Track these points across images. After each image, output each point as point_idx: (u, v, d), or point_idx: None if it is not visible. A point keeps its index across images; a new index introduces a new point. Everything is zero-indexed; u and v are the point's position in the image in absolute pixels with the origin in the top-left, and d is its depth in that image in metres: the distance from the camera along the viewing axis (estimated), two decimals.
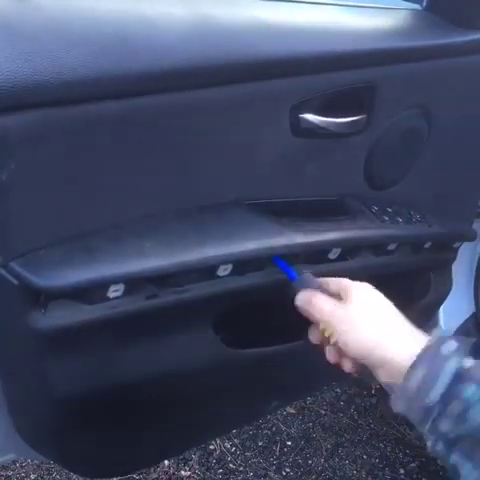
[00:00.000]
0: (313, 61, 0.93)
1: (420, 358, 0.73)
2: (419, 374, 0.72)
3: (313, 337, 0.89)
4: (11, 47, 0.69)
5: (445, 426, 0.70)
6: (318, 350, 0.89)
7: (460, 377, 0.70)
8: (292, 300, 0.90)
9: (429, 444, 0.73)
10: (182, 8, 0.86)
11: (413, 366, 0.73)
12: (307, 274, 0.92)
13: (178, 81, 0.81)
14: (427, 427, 0.72)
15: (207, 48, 0.83)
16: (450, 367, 0.71)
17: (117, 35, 0.78)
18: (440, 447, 0.71)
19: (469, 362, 0.71)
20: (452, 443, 0.70)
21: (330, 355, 0.86)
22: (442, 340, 0.74)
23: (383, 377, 0.78)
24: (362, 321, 0.81)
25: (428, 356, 0.73)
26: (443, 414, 0.70)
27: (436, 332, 0.78)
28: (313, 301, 0.86)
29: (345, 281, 0.87)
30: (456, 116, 1.16)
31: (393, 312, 0.83)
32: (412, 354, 0.74)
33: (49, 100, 0.71)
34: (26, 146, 0.72)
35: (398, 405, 0.75)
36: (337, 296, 0.86)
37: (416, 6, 1.15)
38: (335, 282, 0.88)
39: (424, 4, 1.14)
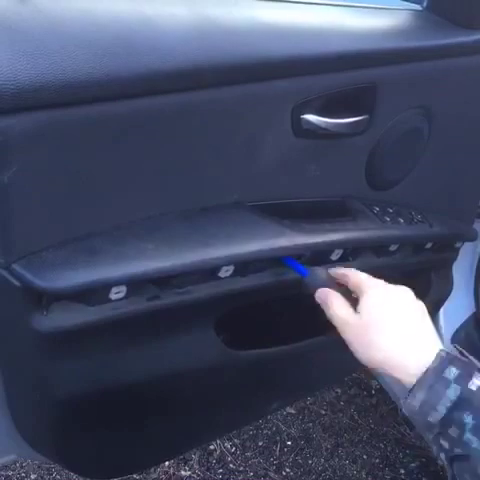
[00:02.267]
0: (314, 62, 0.93)
1: (423, 380, 0.74)
2: (421, 396, 0.73)
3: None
4: (13, 48, 0.69)
5: (445, 444, 0.72)
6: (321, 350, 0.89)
7: (460, 404, 0.71)
8: (293, 300, 0.90)
9: (434, 449, 0.75)
10: (184, 9, 0.86)
11: (416, 386, 0.74)
12: (318, 269, 0.92)
13: (180, 82, 0.81)
14: (430, 438, 0.74)
15: (209, 49, 0.83)
16: (451, 394, 0.72)
17: (119, 36, 0.78)
18: (442, 456, 0.73)
19: (473, 385, 0.72)
20: (452, 459, 0.72)
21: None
22: (446, 362, 0.75)
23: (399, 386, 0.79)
24: (373, 334, 0.81)
25: (431, 379, 0.74)
26: (443, 434, 0.72)
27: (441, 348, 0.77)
28: (329, 302, 0.86)
29: (362, 281, 0.87)
30: (457, 116, 1.16)
31: (405, 318, 0.82)
32: (417, 372, 0.75)
33: (51, 101, 0.71)
34: (28, 148, 0.72)
35: (404, 411, 0.77)
36: (353, 292, 0.87)
37: (417, 6, 1.14)
38: (353, 279, 0.88)
39: (425, 4, 1.14)
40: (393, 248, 1.14)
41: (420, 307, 0.85)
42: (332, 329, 0.86)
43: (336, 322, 0.84)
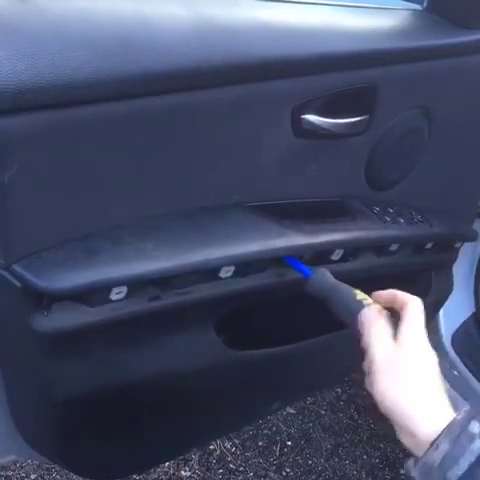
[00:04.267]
0: (314, 62, 0.93)
1: (448, 431, 0.71)
2: (445, 447, 0.70)
3: None
4: (13, 48, 0.69)
5: None
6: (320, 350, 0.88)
7: None
8: (293, 300, 0.90)
9: None
10: (183, 9, 0.86)
11: (441, 438, 0.70)
12: (322, 270, 0.91)
13: (179, 82, 0.81)
14: None
15: (209, 49, 0.83)
16: (475, 447, 0.69)
17: (118, 36, 0.78)
18: None
19: None
20: None
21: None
22: (470, 416, 0.72)
23: (405, 441, 0.75)
24: (402, 380, 0.76)
25: (456, 431, 0.71)
26: None
27: (464, 405, 0.74)
28: (373, 329, 0.81)
29: (408, 299, 0.83)
30: (457, 116, 1.16)
31: (434, 365, 0.79)
32: (438, 426, 0.71)
33: (51, 102, 0.71)
34: (28, 148, 0.72)
35: (414, 472, 0.73)
36: (390, 308, 0.83)
37: (416, 6, 1.14)
38: (397, 297, 0.84)
39: (424, 4, 1.13)
40: (393, 248, 1.14)
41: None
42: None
43: (372, 354, 0.79)
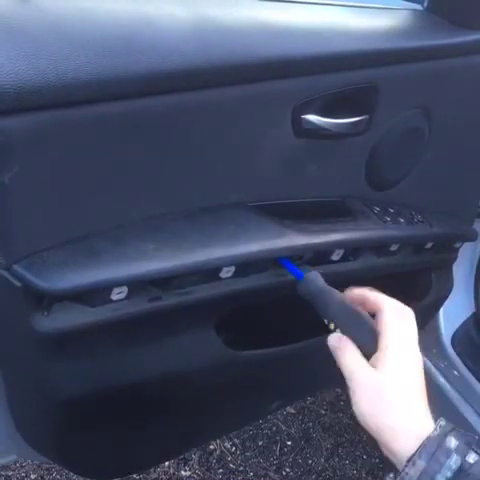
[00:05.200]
0: (314, 62, 0.93)
1: (423, 448, 0.70)
2: (421, 464, 0.69)
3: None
4: (14, 48, 0.69)
5: None
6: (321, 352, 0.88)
7: (459, 476, 0.68)
8: (293, 300, 0.90)
9: None
10: (184, 9, 0.86)
11: (417, 455, 0.70)
12: (313, 273, 0.91)
13: (180, 82, 0.81)
14: None
15: (209, 49, 0.83)
16: (452, 463, 0.69)
17: (119, 36, 0.78)
18: None
19: (472, 458, 0.69)
20: None
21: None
22: (446, 431, 0.71)
23: (387, 455, 0.75)
24: (386, 399, 0.75)
25: (432, 447, 0.70)
26: None
27: (440, 422, 0.74)
28: (341, 350, 0.80)
29: (381, 304, 0.81)
30: (457, 116, 1.16)
31: (417, 376, 0.77)
32: (416, 443, 0.70)
33: (52, 102, 0.71)
34: (29, 148, 0.72)
35: None
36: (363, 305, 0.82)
37: (417, 6, 1.14)
38: (369, 300, 0.83)
39: (425, 4, 1.13)
40: (394, 248, 1.14)
41: (420, 357, 0.80)
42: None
43: (347, 374, 0.78)
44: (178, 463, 1.92)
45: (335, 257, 1.04)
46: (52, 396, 0.90)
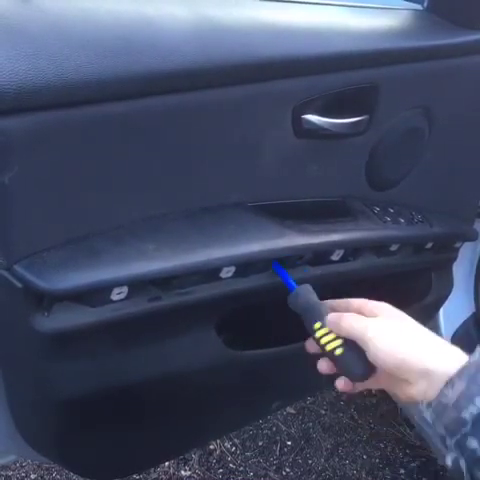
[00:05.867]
0: (315, 62, 0.93)
1: (464, 370, 0.70)
2: (461, 386, 0.69)
3: (310, 347, 0.89)
4: (14, 48, 0.69)
5: (474, 443, 0.68)
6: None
7: None
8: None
9: (449, 458, 0.70)
10: (184, 9, 0.86)
11: (456, 376, 0.70)
12: (304, 287, 0.91)
13: (180, 82, 0.81)
14: (454, 440, 0.69)
15: (210, 49, 0.83)
16: None
17: (120, 37, 0.78)
18: (462, 463, 0.68)
19: None
20: (477, 461, 0.68)
21: (322, 366, 0.86)
22: None
23: (410, 390, 0.75)
24: (398, 332, 0.77)
25: (471, 370, 0.70)
26: (474, 432, 0.68)
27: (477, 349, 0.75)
28: (342, 321, 0.82)
29: (370, 302, 0.84)
30: (457, 116, 1.16)
31: (425, 329, 0.80)
32: (453, 366, 0.71)
33: (52, 102, 0.71)
34: (29, 148, 0.72)
35: (428, 413, 0.73)
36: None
37: (417, 6, 1.14)
38: (356, 303, 0.85)
39: (425, 4, 1.13)
40: (394, 248, 1.13)
41: None
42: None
43: (359, 334, 0.79)
44: (178, 463, 1.92)
45: (335, 257, 1.04)
46: (52, 396, 0.90)
